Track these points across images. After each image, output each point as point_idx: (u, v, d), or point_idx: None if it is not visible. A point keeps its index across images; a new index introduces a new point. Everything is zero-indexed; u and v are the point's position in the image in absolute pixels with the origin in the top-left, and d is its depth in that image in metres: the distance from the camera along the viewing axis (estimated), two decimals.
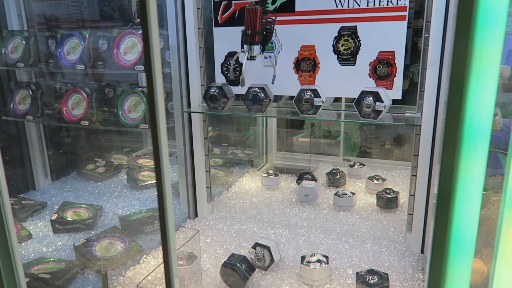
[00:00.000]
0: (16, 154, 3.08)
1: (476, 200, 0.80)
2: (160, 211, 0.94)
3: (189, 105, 2.47)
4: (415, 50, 3.10)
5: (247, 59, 1.96)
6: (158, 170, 0.89)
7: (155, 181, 0.91)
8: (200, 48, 2.38)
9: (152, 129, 0.86)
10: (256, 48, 1.95)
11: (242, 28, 1.97)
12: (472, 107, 0.74)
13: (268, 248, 2.00)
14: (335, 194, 2.71)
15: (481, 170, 0.78)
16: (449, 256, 0.82)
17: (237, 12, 2.29)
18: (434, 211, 0.81)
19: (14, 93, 2.82)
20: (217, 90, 2.21)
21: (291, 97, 2.16)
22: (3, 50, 2.77)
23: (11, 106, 2.82)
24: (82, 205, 2.64)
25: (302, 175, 3.07)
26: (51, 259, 2.13)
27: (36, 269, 2.02)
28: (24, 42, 2.73)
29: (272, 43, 2.24)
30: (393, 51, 2.01)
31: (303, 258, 1.98)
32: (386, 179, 2.94)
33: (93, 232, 2.43)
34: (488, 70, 0.71)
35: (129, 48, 2.39)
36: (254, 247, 2.05)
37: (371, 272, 1.82)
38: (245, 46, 1.95)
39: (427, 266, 0.86)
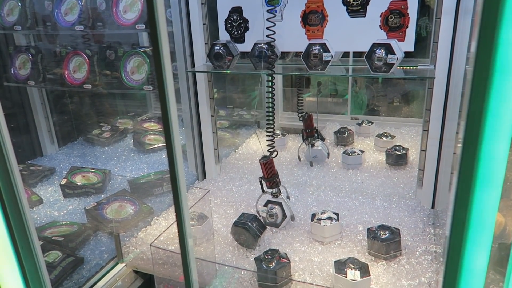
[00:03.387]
0: (21, 121, 3.06)
1: (502, 154, 0.76)
2: (171, 171, 0.91)
3: (193, 65, 2.40)
4: (422, 4, 2.98)
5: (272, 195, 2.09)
6: (167, 128, 0.86)
7: (164, 143, 0.88)
8: (202, 4, 2.28)
9: (159, 91, 0.82)
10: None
11: None
12: (503, 50, 0.69)
13: (280, 204, 2.00)
14: (344, 152, 2.68)
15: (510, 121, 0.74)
16: (472, 211, 0.79)
17: None
18: (459, 167, 0.77)
19: (13, 58, 2.76)
20: (221, 48, 2.13)
21: (298, 54, 2.08)
22: None
23: (12, 72, 2.76)
24: (91, 170, 2.64)
25: None
26: (64, 223, 2.15)
27: (49, 232, 2.04)
28: (19, 4, 2.63)
29: None
30: (406, 0, 1.91)
31: (313, 215, 1.98)
32: (395, 136, 2.90)
33: (102, 195, 2.44)
34: None
35: (128, 6, 2.29)
36: (265, 204, 2.05)
37: (382, 227, 1.82)
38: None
39: (448, 222, 0.83)
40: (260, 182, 2.06)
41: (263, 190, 2.08)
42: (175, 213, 0.95)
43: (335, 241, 1.91)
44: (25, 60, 2.73)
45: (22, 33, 2.78)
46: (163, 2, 0.78)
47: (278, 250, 1.73)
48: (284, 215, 2.00)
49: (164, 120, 0.85)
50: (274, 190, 2.06)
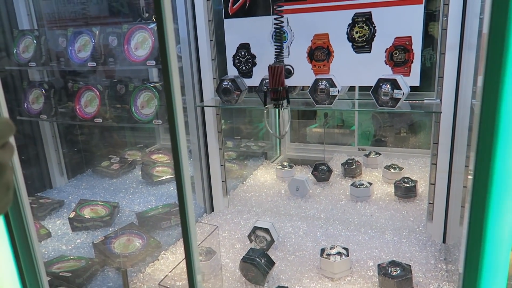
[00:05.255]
0: (32, 153, 3.10)
1: None
2: (181, 208, 0.92)
3: (201, 99, 2.45)
4: (425, 34, 3.04)
5: (275, 107, 1.89)
6: (177, 164, 0.87)
7: (174, 176, 0.88)
8: (211, 40, 2.35)
9: (170, 125, 0.84)
10: (284, 102, 1.89)
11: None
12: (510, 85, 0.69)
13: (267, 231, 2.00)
14: (352, 184, 2.67)
15: None
16: (486, 249, 0.78)
17: (247, 2, 2.24)
18: (470, 203, 0.77)
19: (27, 93, 2.83)
20: (230, 83, 2.18)
21: (304, 88, 2.11)
22: (15, 50, 2.77)
23: (25, 106, 2.83)
24: (99, 203, 2.65)
25: (317, 166, 3.03)
26: (71, 257, 2.14)
27: (57, 267, 2.03)
28: (35, 41, 2.73)
29: (284, 32, 2.19)
30: (410, 36, 1.95)
31: (322, 250, 1.95)
32: (403, 168, 2.89)
33: (110, 229, 2.44)
34: None
35: (139, 44, 2.36)
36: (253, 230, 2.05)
37: (393, 263, 1.79)
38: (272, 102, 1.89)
39: (461, 262, 0.82)
40: (264, 93, 1.86)
41: (265, 104, 1.87)
42: (183, 249, 0.94)
43: (345, 277, 1.87)
44: (38, 95, 2.80)
45: (37, 69, 2.86)
46: (174, 39, 0.81)
47: (287, 287, 1.70)
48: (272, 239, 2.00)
49: (174, 154, 0.86)
50: (284, 106, 1.86)
